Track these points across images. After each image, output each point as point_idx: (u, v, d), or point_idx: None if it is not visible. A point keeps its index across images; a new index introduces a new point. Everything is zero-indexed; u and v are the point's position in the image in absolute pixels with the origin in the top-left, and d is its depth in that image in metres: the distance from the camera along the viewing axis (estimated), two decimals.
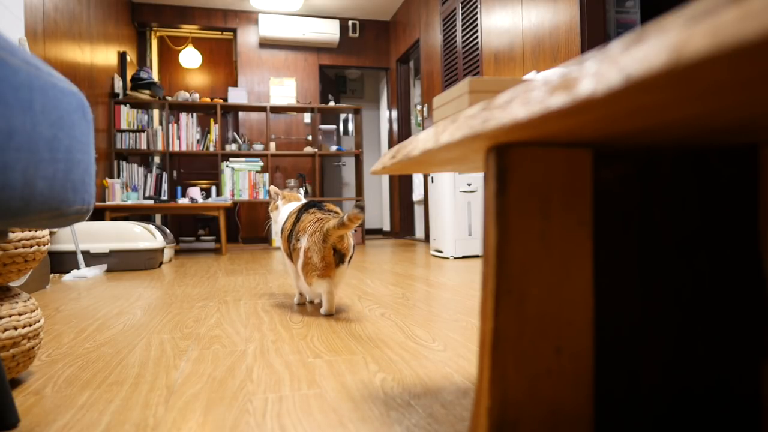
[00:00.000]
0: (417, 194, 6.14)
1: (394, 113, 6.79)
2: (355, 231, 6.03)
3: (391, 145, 6.94)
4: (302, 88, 6.58)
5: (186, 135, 5.46)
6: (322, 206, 1.88)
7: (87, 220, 3.53)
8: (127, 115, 5.26)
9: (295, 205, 2.06)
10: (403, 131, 6.59)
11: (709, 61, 0.27)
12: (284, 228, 1.93)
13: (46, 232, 1.14)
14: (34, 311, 1.08)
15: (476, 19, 4.26)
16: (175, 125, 5.43)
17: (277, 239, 2.01)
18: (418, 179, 6.11)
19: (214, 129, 5.53)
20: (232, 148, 5.67)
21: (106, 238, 3.47)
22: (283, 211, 2.06)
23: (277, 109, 5.85)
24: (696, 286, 0.69)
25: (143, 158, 5.94)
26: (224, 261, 4.16)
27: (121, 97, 5.29)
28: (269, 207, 2.04)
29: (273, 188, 2.11)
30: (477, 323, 1.63)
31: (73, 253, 3.27)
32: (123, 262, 3.48)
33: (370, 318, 1.73)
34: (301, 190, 5.92)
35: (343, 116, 7.74)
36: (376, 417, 0.89)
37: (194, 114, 5.57)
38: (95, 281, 2.94)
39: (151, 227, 3.71)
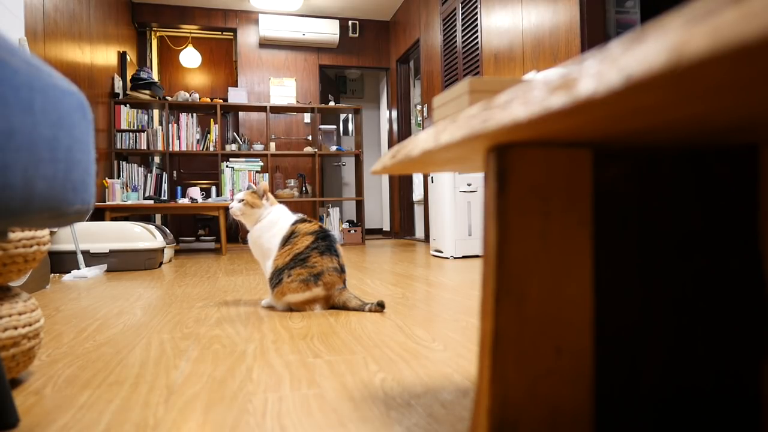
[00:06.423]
0: (417, 194, 6.13)
1: (394, 113, 6.79)
2: (354, 231, 6.04)
3: (391, 145, 6.94)
4: (302, 88, 6.58)
5: (186, 135, 5.46)
6: (333, 241, 1.93)
7: (87, 220, 3.53)
8: (127, 115, 5.26)
9: (286, 213, 1.99)
10: (403, 131, 6.59)
11: (710, 62, 0.27)
12: (292, 241, 1.88)
13: (46, 231, 1.14)
14: (34, 311, 1.08)
15: (476, 19, 4.26)
16: (175, 125, 5.43)
17: (267, 240, 1.96)
18: (418, 179, 6.11)
19: (214, 129, 5.53)
20: (232, 148, 5.67)
21: (106, 238, 3.47)
22: (277, 214, 1.98)
23: (277, 109, 5.85)
24: (696, 285, 0.69)
25: (143, 158, 5.94)
26: (224, 261, 4.16)
27: (121, 97, 5.29)
28: (246, 201, 1.98)
29: (264, 184, 2.04)
30: (477, 323, 1.63)
31: (73, 253, 3.27)
32: (123, 262, 3.48)
33: (370, 318, 1.73)
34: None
35: (343, 116, 7.74)
36: (376, 417, 0.89)
37: (194, 114, 5.56)
38: (95, 281, 2.94)
39: (151, 227, 3.71)
